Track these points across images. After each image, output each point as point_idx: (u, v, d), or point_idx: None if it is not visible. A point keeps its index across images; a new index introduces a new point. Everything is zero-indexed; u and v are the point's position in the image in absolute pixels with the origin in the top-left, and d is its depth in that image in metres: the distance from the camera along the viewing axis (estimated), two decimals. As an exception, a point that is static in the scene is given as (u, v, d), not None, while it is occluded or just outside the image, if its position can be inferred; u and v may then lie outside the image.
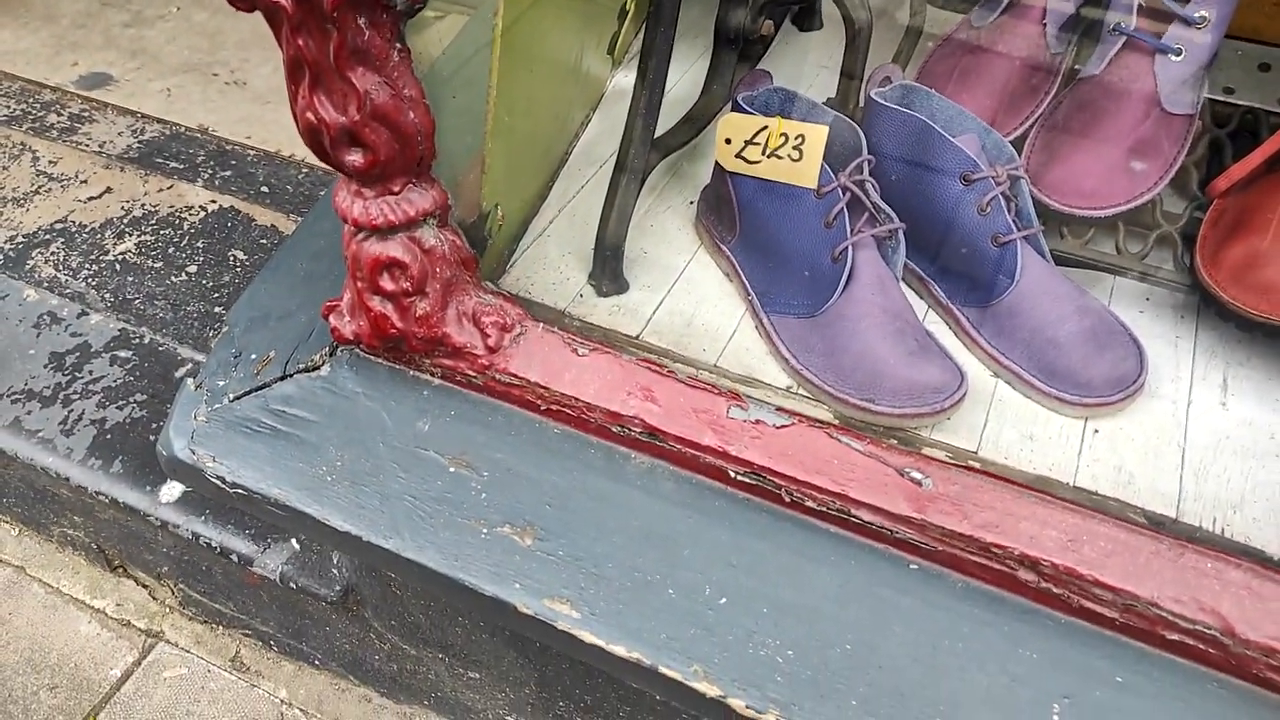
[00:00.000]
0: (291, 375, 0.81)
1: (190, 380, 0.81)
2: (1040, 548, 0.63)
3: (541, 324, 0.76)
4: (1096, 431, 0.74)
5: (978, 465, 0.69)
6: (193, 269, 1.35)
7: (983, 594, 0.66)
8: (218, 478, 0.76)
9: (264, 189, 1.48)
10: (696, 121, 0.92)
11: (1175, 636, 0.61)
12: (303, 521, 0.74)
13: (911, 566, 0.68)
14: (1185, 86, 0.81)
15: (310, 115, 0.62)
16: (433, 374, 0.79)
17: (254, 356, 0.83)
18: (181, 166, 1.52)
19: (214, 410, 0.79)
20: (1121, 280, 0.84)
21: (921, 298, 0.85)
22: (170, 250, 1.38)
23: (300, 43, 0.58)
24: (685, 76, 1.08)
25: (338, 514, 0.73)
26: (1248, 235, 0.74)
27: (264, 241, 1.40)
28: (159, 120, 1.62)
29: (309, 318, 0.85)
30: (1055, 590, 0.64)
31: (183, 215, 1.44)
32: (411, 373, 0.80)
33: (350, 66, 0.59)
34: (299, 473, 0.75)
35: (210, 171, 1.51)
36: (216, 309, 1.30)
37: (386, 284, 0.71)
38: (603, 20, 1.00)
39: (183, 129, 1.60)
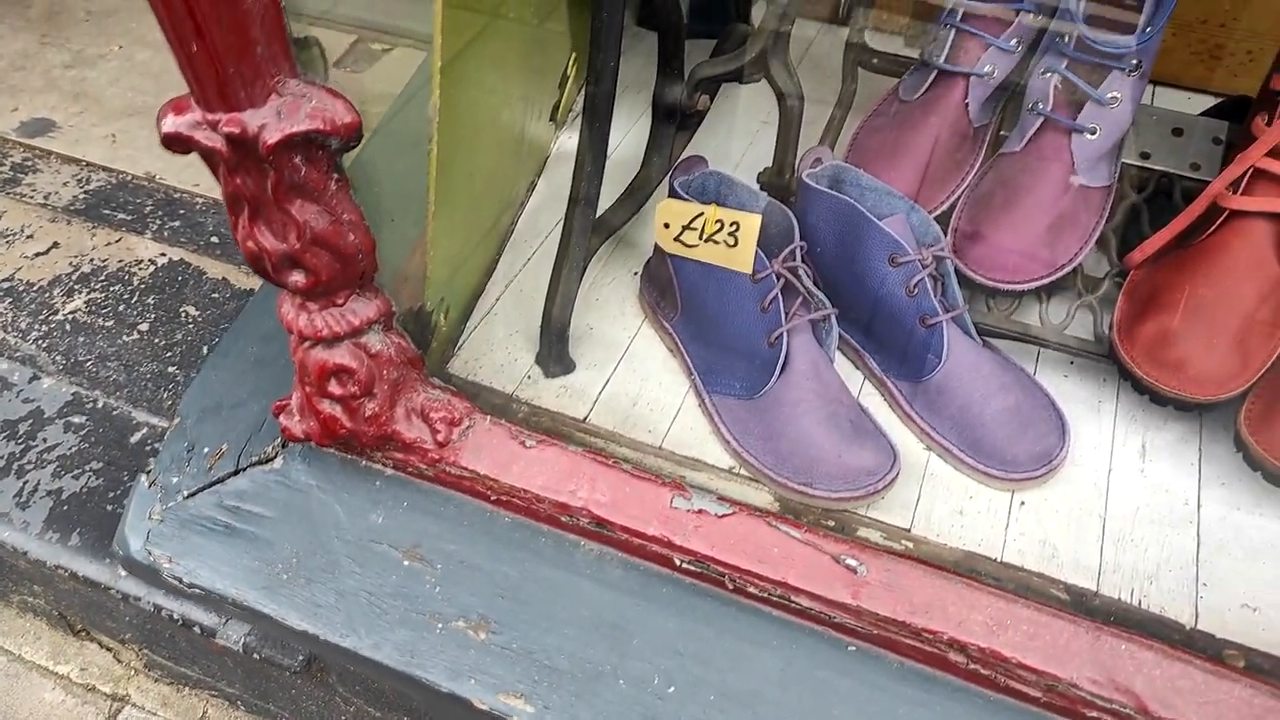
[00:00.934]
0: (245, 469, 0.82)
1: (144, 476, 0.83)
2: (968, 632, 0.67)
3: (489, 417, 0.78)
4: (1023, 504, 0.78)
5: (910, 549, 0.72)
6: (144, 327, 1.35)
7: (917, 674, 0.70)
8: (174, 578, 0.77)
9: (214, 239, 1.48)
10: (637, 196, 0.94)
11: (1094, 714, 0.65)
12: (260, 620, 0.76)
13: (850, 648, 0.71)
14: (1101, 161, 0.85)
15: (251, 244, 0.64)
16: (384, 465, 0.81)
17: (206, 450, 0.84)
18: (129, 218, 1.51)
19: (169, 509, 0.80)
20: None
21: (857, 368, 0.88)
22: (121, 308, 1.37)
23: (238, 181, 0.60)
24: (626, 138, 1.10)
25: (294, 613, 0.75)
26: (1159, 313, 0.77)
27: (215, 295, 1.40)
28: (105, 168, 1.60)
29: (261, 407, 0.87)
30: (983, 671, 0.67)
31: (132, 270, 1.43)
32: (364, 463, 0.82)
33: (289, 200, 0.61)
34: (255, 571, 0.77)
35: (159, 222, 1.51)
36: (170, 369, 1.30)
37: (335, 389, 0.73)
38: (544, 90, 1.02)
39: (129, 177, 1.59)
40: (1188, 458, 0.81)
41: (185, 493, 0.81)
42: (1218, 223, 0.77)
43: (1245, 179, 0.76)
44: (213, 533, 0.79)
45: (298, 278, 0.66)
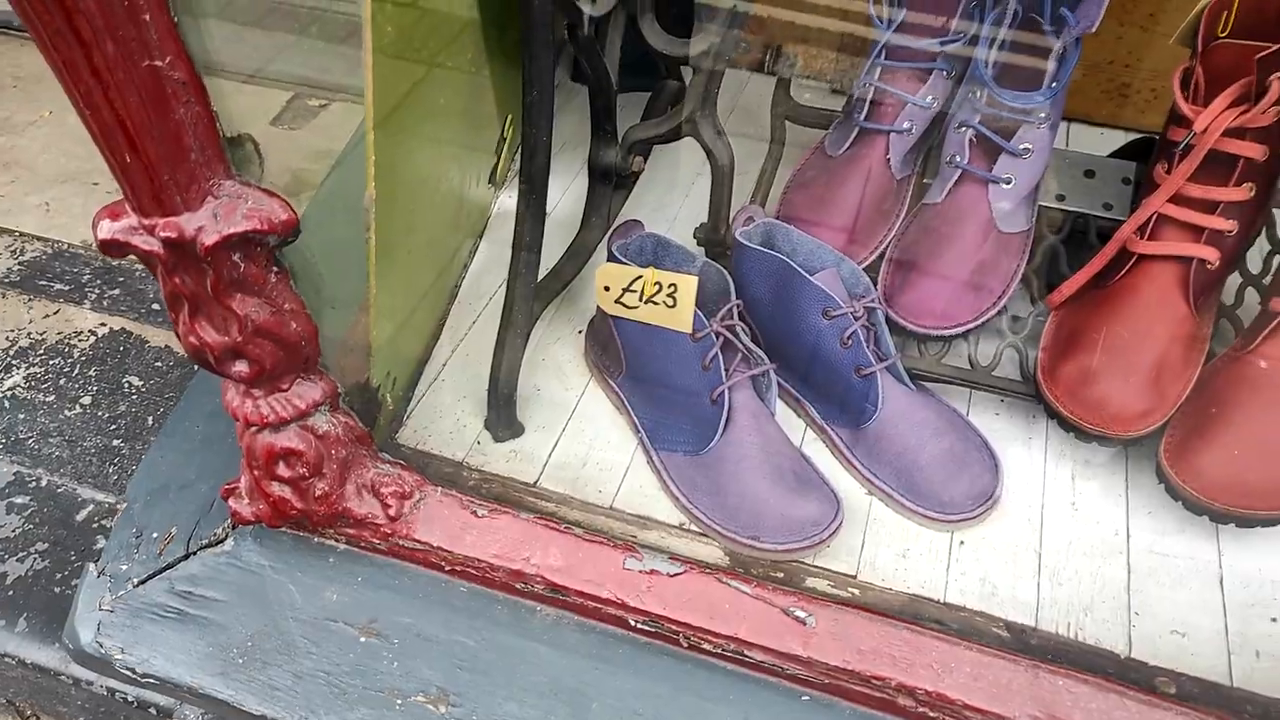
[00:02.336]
0: (195, 553, 0.82)
1: (93, 566, 0.82)
2: (914, 677, 0.69)
3: (440, 488, 0.79)
4: (962, 543, 0.81)
5: (856, 596, 0.75)
6: (87, 400, 1.33)
7: (869, 719, 0.72)
8: (127, 669, 0.77)
9: (155, 306, 1.46)
10: (577, 258, 0.96)
11: (1037, 749, 0.67)
12: (217, 706, 0.75)
13: (804, 698, 0.73)
14: (1019, 207, 0.89)
15: (193, 339, 0.64)
16: (337, 541, 0.81)
17: (155, 535, 0.84)
18: (67, 288, 1.49)
19: (119, 597, 0.80)
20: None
21: (799, 416, 0.91)
22: (61, 382, 1.35)
23: (177, 281, 0.60)
24: (564, 196, 1.12)
25: (252, 697, 0.75)
26: (1078, 353, 0.81)
27: (159, 364, 1.38)
28: (39, 238, 1.58)
29: (209, 487, 0.86)
30: (931, 714, 0.70)
31: (72, 342, 1.41)
32: (316, 540, 0.82)
33: (229, 296, 0.62)
34: (209, 657, 0.77)
35: (98, 291, 1.49)
36: (115, 442, 1.28)
37: (283, 472, 0.73)
38: (481, 154, 1.04)
39: (65, 246, 1.57)
40: (1115, 489, 0.85)
41: (135, 580, 0.81)
42: (1129, 265, 0.81)
43: (1151, 224, 0.80)
44: (165, 620, 0.79)
45: (241, 368, 0.66)
